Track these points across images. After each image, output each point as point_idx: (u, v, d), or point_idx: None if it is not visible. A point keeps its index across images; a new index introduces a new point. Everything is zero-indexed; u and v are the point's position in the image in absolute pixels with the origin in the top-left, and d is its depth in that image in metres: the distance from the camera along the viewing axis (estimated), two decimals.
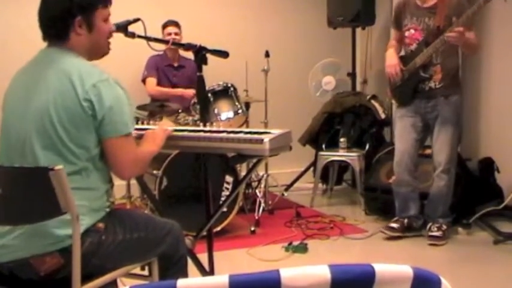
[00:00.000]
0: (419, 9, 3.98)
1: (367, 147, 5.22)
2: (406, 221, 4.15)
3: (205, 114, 2.72)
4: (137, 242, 2.12)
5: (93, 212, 2.01)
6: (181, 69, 5.25)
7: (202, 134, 2.48)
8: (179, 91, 5.04)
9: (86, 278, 1.95)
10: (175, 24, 5.16)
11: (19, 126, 2.03)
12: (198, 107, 3.57)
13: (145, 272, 2.27)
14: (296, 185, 5.51)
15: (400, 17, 4.09)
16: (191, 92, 4.88)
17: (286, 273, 0.91)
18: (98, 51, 2.17)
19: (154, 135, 2.34)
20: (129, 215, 2.22)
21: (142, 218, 2.24)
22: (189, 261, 2.40)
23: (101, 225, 2.04)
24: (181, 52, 5.18)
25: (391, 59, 4.08)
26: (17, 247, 1.95)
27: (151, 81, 5.16)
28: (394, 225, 4.13)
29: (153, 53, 4.84)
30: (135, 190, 4.66)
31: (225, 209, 3.86)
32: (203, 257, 2.71)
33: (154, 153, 2.26)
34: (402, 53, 4.16)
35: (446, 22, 3.78)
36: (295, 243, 3.96)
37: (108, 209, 2.09)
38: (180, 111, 4.66)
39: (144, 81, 5.19)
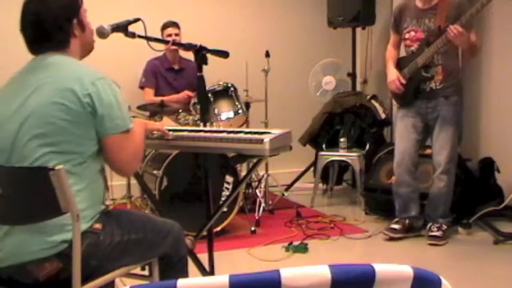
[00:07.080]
0: (419, 12, 3.97)
1: (367, 147, 5.22)
2: (407, 221, 4.14)
3: (206, 114, 2.72)
4: (136, 244, 2.10)
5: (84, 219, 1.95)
6: (181, 72, 5.19)
7: (202, 134, 2.48)
8: (174, 97, 4.97)
9: (86, 279, 1.94)
10: (175, 25, 5.11)
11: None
12: (198, 106, 3.56)
13: (146, 272, 2.27)
14: (296, 185, 5.51)
15: (400, 20, 4.09)
16: (185, 94, 4.88)
17: (286, 273, 0.91)
18: (88, 47, 2.16)
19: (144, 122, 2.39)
20: (127, 216, 2.19)
21: (141, 219, 2.21)
22: (190, 261, 2.40)
23: (97, 225, 2.01)
24: (182, 53, 5.17)
25: (391, 75, 4.07)
26: (12, 252, 1.92)
27: (149, 92, 5.13)
28: (396, 226, 4.13)
29: (152, 55, 4.88)
30: (136, 190, 4.65)
31: (225, 209, 3.86)
32: (203, 257, 2.71)
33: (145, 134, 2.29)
34: (403, 53, 4.15)
35: (448, 22, 3.78)
36: (296, 243, 3.96)
37: (99, 215, 2.03)
38: (180, 111, 4.66)
39: (142, 88, 5.16)
